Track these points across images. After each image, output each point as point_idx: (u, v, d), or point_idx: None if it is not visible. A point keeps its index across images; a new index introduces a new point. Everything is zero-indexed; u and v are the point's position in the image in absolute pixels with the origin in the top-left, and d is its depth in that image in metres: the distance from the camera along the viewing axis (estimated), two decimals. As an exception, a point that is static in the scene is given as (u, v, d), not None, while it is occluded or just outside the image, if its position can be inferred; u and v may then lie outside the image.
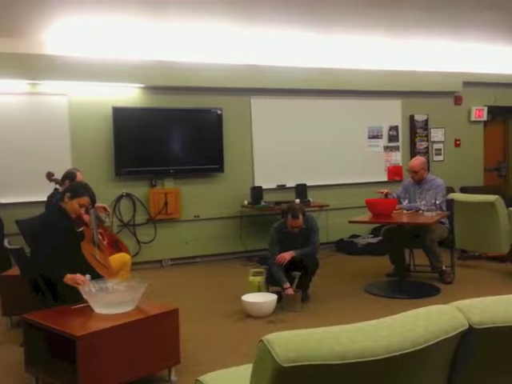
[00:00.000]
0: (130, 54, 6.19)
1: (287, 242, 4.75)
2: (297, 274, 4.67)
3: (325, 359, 1.37)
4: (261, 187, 6.78)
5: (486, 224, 5.65)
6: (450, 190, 6.72)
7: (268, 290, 4.81)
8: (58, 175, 5.06)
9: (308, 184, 6.92)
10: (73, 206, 3.62)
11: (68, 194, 3.64)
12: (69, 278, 3.34)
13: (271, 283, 4.82)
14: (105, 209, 4.68)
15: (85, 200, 3.65)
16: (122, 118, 6.29)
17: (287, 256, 4.63)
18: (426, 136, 8.09)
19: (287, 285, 4.61)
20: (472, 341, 1.63)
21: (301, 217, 4.61)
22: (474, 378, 1.72)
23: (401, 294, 4.93)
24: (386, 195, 5.52)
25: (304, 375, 1.37)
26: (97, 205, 4.33)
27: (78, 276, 3.35)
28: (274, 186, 7.08)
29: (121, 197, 6.42)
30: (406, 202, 5.52)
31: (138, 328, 3.04)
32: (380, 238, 6.25)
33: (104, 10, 5.02)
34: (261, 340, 1.42)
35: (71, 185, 3.90)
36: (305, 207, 6.48)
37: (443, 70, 7.78)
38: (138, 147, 6.41)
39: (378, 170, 7.76)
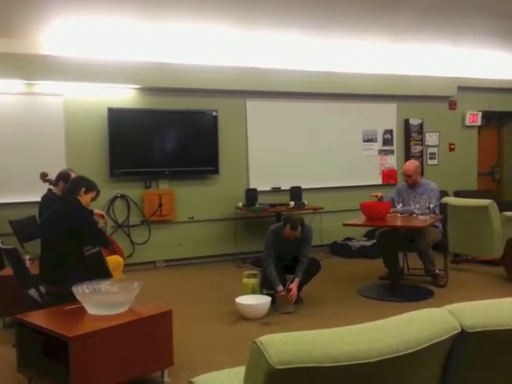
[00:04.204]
0: (126, 56, 6.19)
1: (281, 247, 4.78)
2: (291, 276, 4.70)
3: (318, 362, 1.37)
4: (255, 189, 6.78)
5: (480, 228, 5.68)
6: (443, 193, 6.76)
7: (262, 293, 4.81)
8: (52, 175, 5.05)
9: (303, 187, 6.93)
10: (86, 199, 3.84)
11: (84, 189, 3.81)
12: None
13: (267, 287, 4.81)
14: (102, 216, 4.68)
15: (94, 194, 3.89)
16: (117, 119, 6.28)
17: (295, 289, 4.62)
18: (421, 140, 8.12)
19: (280, 287, 4.62)
20: (464, 344, 1.64)
21: (299, 229, 4.64)
22: (466, 381, 1.73)
23: (394, 297, 4.95)
24: (380, 198, 5.54)
25: (297, 377, 1.37)
26: (95, 211, 4.33)
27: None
28: (268, 188, 7.09)
29: (115, 198, 6.41)
30: (400, 205, 5.54)
31: (131, 329, 3.04)
32: (374, 240, 6.26)
33: (100, 11, 5.01)
34: (254, 342, 1.42)
35: (84, 179, 3.91)
36: (299, 210, 6.55)
37: (438, 75, 7.82)
38: (133, 148, 6.41)
39: (373, 173, 7.78)
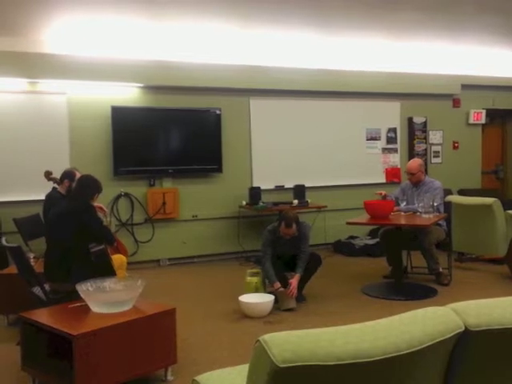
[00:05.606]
0: (130, 54, 6.19)
1: (278, 246, 4.80)
2: (293, 274, 4.71)
3: (321, 360, 1.37)
4: (259, 188, 6.78)
5: (484, 226, 5.66)
6: (447, 192, 6.74)
7: (265, 291, 4.81)
8: (57, 174, 5.06)
9: (306, 185, 6.93)
10: (95, 200, 3.97)
11: (97, 194, 3.93)
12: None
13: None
14: (101, 208, 4.68)
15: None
16: (121, 118, 6.29)
17: (295, 283, 4.62)
18: (425, 138, 8.10)
19: (277, 284, 4.64)
20: (468, 343, 1.64)
21: (294, 226, 4.65)
22: (470, 380, 1.73)
23: (398, 296, 4.94)
24: (384, 197, 5.53)
25: (300, 376, 1.37)
26: (94, 204, 4.33)
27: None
28: (272, 186, 7.09)
29: (119, 196, 6.42)
30: (404, 203, 5.53)
31: (134, 327, 3.04)
32: (377, 239, 6.26)
33: (103, 9, 5.02)
34: (257, 340, 1.42)
35: (94, 184, 3.92)
36: (303, 208, 6.55)
37: (442, 73, 7.79)
38: (137, 147, 6.41)
39: (376, 171, 7.77)
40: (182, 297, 5.03)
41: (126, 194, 6.46)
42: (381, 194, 5.55)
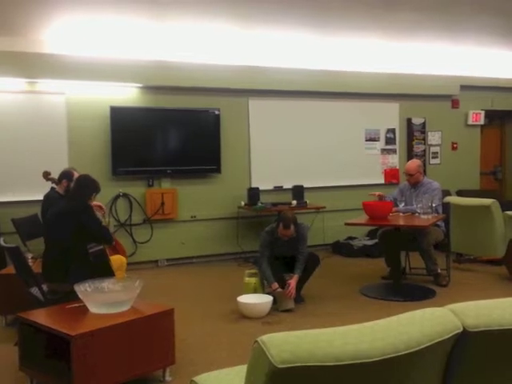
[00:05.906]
0: (129, 54, 6.19)
1: (276, 247, 4.81)
2: (291, 275, 4.71)
3: (320, 361, 1.37)
4: (258, 188, 6.78)
5: (482, 227, 5.67)
6: (446, 193, 6.75)
7: (264, 292, 4.81)
8: (55, 174, 5.06)
9: (305, 186, 6.93)
10: (93, 200, 3.99)
11: (94, 194, 3.94)
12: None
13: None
14: (100, 207, 4.67)
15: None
16: (120, 118, 6.28)
17: (293, 284, 4.63)
18: (423, 139, 8.11)
19: (275, 285, 4.64)
20: (466, 344, 1.64)
21: (292, 227, 4.66)
22: (468, 381, 1.73)
23: (396, 297, 4.94)
24: (381, 197, 5.53)
25: (299, 377, 1.37)
26: (93, 203, 4.32)
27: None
28: (271, 187, 7.09)
29: (117, 197, 6.41)
30: (403, 204, 5.53)
31: (133, 328, 3.04)
32: (376, 240, 6.26)
33: (102, 9, 5.01)
34: (256, 341, 1.42)
35: (93, 184, 3.92)
36: (301, 209, 6.55)
37: (441, 74, 7.80)
38: (136, 147, 6.41)
39: (375, 172, 7.77)
40: (180, 297, 5.03)
41: (125, 195, 6.45)
42: (375, 194, 5.55)
